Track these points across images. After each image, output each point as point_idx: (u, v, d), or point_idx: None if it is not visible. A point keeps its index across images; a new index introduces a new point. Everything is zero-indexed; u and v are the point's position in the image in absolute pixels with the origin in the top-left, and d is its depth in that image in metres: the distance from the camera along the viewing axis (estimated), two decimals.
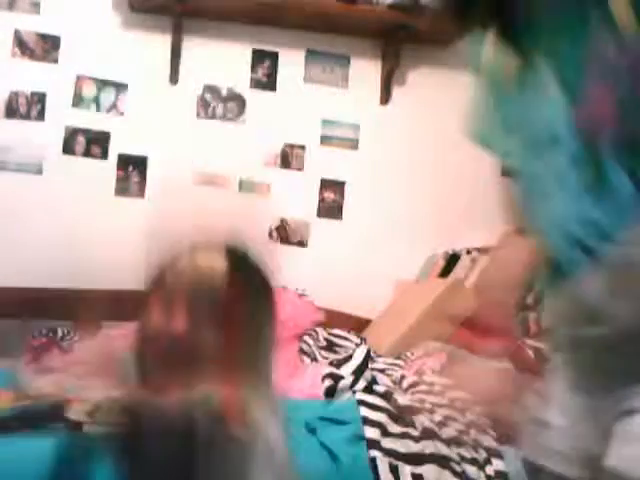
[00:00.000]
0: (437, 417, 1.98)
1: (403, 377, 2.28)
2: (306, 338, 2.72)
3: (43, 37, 3.04)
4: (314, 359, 2.61)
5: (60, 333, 2.65)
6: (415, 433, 1.87)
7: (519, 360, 1.32)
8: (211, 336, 1.04)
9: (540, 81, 0.95)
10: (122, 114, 3.08)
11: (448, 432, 1.90)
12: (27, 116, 3.01)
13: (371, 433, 1.82)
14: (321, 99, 3.21)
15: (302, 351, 2.66)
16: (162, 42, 3.06)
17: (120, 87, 3.08)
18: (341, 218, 3.21)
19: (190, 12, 3.00)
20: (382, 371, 2.34)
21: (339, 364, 2.23)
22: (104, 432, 1.05)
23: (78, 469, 1.29)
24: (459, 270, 2.93)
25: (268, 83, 3.18)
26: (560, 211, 0.95)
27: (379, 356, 2.55)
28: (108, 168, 3.06)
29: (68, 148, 3.04)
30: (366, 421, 1.86)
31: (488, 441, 1.91)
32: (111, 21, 3.08)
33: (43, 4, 3.03)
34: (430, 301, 2.70)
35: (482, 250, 2.97)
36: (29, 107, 3.01)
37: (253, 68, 3.18)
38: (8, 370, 2.13)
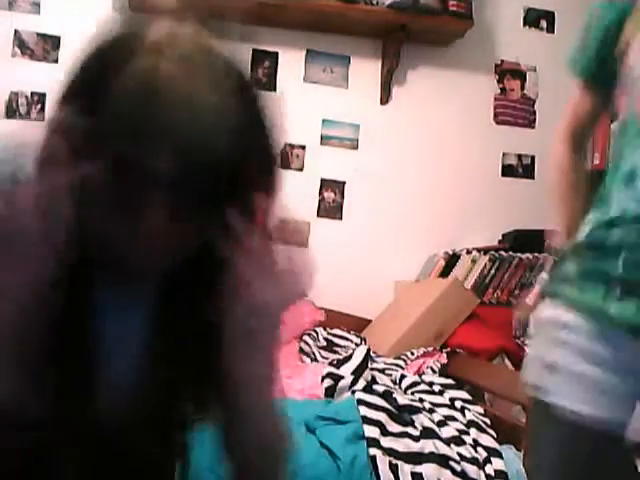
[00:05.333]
0: (437, 417, 1.98)
1: (403, 377, 2.28)
2: (306, 338, 2.72)
3: (43, 37, 3.04)
4: (314, 359, 2.60)
5: None
6: (415, 432, 1.87)
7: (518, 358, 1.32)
8: None
9: None
10: None
11: (448, 431, 1.91)
12: (27, 116, 3.01)
13: (371, 432, 1.82)
14: (321, 99, 3.21)
15: (302, 351, 2.65)
16: None
17: None
18: (341, 218, 3.21)
19: None
20: (382, 371, 2.34)
21: (339, 364, 2.23)
22: None
23: None
24: (459, 270, 2.92)
25: (268, 83, 3.18)
26: None
27: (379, 356, 2.55)
28: None
29: None
30: (366, 420, 1.86)
31: (488, 440, 1.91)
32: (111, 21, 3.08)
33: (43, 4, 3.03)
34: (430, 301, 2.70)
35: (482, 250, 2.97)
36: (29, 107, 3.01)
37: (253, 68, 3.18)
38: None
